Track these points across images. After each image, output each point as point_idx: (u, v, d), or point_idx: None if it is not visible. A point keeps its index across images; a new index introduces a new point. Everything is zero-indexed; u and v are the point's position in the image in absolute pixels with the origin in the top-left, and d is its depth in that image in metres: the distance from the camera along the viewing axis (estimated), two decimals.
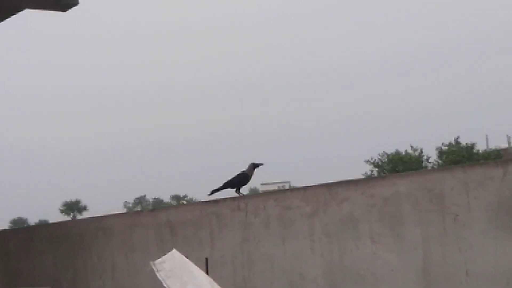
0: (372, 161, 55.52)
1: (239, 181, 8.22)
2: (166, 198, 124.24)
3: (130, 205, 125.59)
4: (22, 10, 9.55)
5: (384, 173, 49.13)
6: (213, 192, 8.29)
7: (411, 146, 55.09)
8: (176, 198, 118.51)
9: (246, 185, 8.27)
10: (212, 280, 5.71)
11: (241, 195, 8.12)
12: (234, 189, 8.20)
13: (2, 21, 10.03)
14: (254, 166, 8.28)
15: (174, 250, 5.93)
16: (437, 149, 54.72)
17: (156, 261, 5.70)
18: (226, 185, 8.23)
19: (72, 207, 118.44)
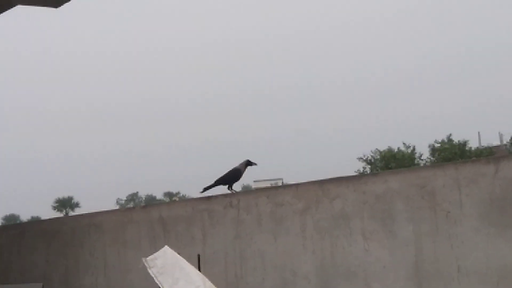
0: (364, 158, 55.58)
1: (231, 177, 8.17)
2: (159, 195, 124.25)
3: (123, 202, 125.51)
4: (14, 6, 9.51)
5: (377, 170, 49.17)
6: (205, 189, 8.28)
7: (404, 143, 55.18)
8: (169, 195, 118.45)
9: (238, 181, 8.25)
10: (204, 276, 5.71)
11: (233, 191, 8.10)
12: (226, 186, 8.17)
13: None
14: (248, 163, 8.25)
15: (166, 247, 5.93)
16: (429, 146, 54.84)
17: (148, 258, 5.71)
18: (218, 182, 8.20)
19: (65, 203, 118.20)
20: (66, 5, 9.63)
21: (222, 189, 8.22)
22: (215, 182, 8.21)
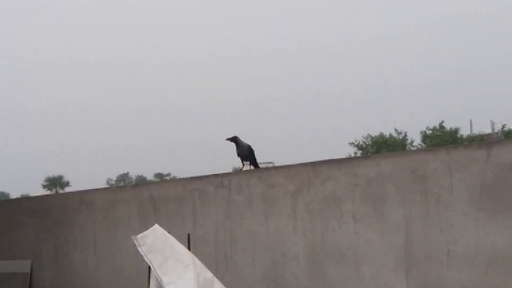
0: (356, 143, 55.61)
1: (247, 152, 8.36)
2: (150, 176, 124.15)
3: (113, 182, 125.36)
4: None
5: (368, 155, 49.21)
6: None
7: (396, 129, 55.20)
8: (159, 175, 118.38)
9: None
10: (193, 256, 5.71)
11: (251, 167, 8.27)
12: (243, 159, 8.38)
13: None
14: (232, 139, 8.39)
15: (156, 225, 5.92)
16: (421, 132, 54.85)
17: (138, 236, 5.69)
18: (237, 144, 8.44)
19: (55, 182, 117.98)
20: None
21: (214, 169, 8.23)
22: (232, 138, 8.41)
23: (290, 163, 7.50)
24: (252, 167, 8.16)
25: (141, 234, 5.73)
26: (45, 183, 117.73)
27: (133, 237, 5.67)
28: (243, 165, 8.27)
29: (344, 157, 7.67)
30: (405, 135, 55.10)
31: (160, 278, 5.42)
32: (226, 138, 8.32)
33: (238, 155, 8.32)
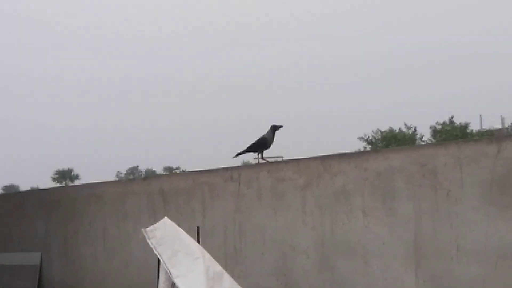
0: (365, 138, 55.60)
1: (258, 144, 8.06)
2: (159, 169, 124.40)
3: (123, 175, 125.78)
4: None
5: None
6: (238, 154, 8.18)
7: (405, 124, 55.17)
8: (169, 169, 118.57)
9: (268, 149, 8.10)
10: (203, 249, 5.71)
11: (263, 160, 8.02)
12: (257, 153, 8.08)
13: None
14: (274, 128, 8.09)
15: (165, 218, 5.92)
16: (431, 127, 54.80)
17: (148, 229, 5.70)
18: (249, 149, 8.08)
19: (65, 175, 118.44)
20: None
21: (223, 163, 8.21)
22: (247, 148, 8.08)
23: (300, 157, 7.50)
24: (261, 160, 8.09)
25: (151, 227, 5.74)
26: (55, 176, 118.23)
27: (142, 229, 5.69)
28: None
29: (355, 151, 7.66)
30: (415, 130, 55.07)
31: (169, 271, 5.43)
32: (274, 126, 8.12)
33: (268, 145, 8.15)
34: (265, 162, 7.89)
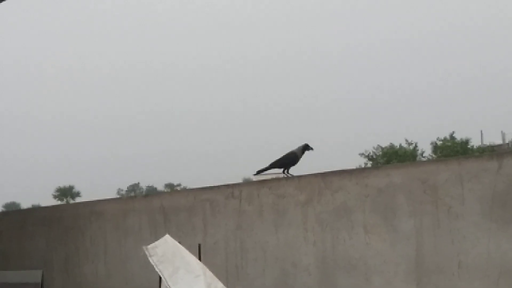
0: (366, 154, 55.63)
1: (287, 161, 7.85)
2: (160, 186, 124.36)
3: (124, 192, 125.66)
4: None
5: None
6: (259, 172, 7.98)
7: (406, 140, 55.20)
8: (170, 186, 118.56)
9: (295, 166, 7.88)
10: (204, 266, 5.70)
11: (289, 175, 7.80)
12: (282, 169, 7.86)
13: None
14: (305, 148, 7.90)
15: (167, 236, 5.92)
16: (431, 143, 54.86)
17: (149, 246, 5.70)
18: (273, 165, 7.88)
19: (66, 192, 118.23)
20: None
21: (224, 179, 8.19)
22: (270, 165, 7.88)
23: (301, 174, 7.51)
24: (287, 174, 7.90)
25: (152, 244, 5.74)
26: (56, 194, 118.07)
27: (144, 247, 5.68)
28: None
29: (355, 167, 7.66)
30: (416, 146, 55.10)
31: None
32: (306, 146, 7.94)
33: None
34: (289, 176, 7.76)
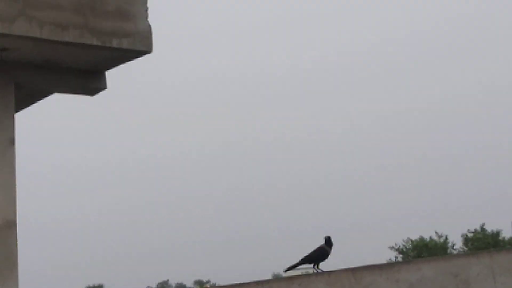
0: (396, 247, 55.06)
1: (317, 256, 7.77)
2: (189, 283, 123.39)
3: None
4: (51, 93, 9.74)
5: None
6: (289, 268, 7.95)
7: (436, 232, 54.66)
8: (199, 283, 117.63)
9: (325, 261, 7.80)
10: None
11: (319, 271, 7.69)
12: (312, 265, 7.78)
13: (31, 104, 10.23)
14: (328, 240, 7.84)
15: None
16: (462, 235, 54.26)
17: None
18: (304, 261, 7.81)
19: None
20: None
21: (254, 276, 8.14)
22: (300, 260, 7.82)
23: (331, 269, 7.46)
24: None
25: None
26: None
27: None
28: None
29: (385, 262, 7.61)
30: (446, 238, 54.51)
31: None
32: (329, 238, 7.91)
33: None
34: (320, 272, 7.64)
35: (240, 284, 8.29)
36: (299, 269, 8.36)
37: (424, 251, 51.37)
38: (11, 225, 3.49)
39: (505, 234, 53.33)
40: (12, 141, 3.61)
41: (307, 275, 7.73)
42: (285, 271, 7.94)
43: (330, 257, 7.81)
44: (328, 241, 7.79)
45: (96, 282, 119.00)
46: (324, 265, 7.73)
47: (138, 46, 3.71)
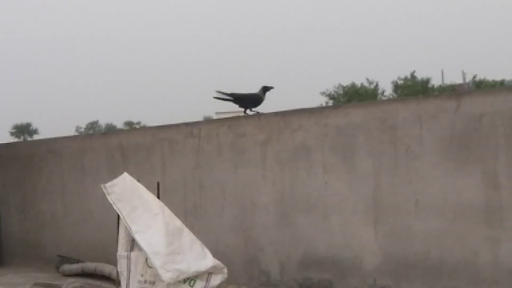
0: (327, 93, 55.63)
1: (249, 98, 7.71)
2: (119, 124, 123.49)
3: (82, 130, 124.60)
4: None
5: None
6: (220, 94, 7.68)
7: (367, 79, 55.23)
8: (129, 124, 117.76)
9: (257, 107, 7.72)
10: (163, 204, 5.68)
11: (251, 112, 7.64)
12: (244, 108, 7.68)
13: None
14: (265, 89, 7.75)
15: (125, 174, 5.87)
16: (392, 82, 54.97)
17: (107, 184, 5.65)
18: (237, 96, 7.68)
19: (23, 130, 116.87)
20: None
21: (183, 118, 8.08)
22: (231, 93, 7.68)
23: (260, 112, 7.47)
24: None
25: (110, 182, 5.68)
26: (13, 131, 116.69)
27: (102, 185, 5.63)
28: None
29: (315, 106, 7.64)
30: (377, 85, 55.21)
31: (129, 227, 5.40)
32: (265, 87, 7.76)
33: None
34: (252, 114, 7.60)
35: (169, 125, 8.27)
36: (230, 112, 8.30)
37: (355, 97, 52.04)
38: None
39: (435, 82, 54.30)
40: None
41: (236, 117, 7.72)
42: (214, 97, 7.68)
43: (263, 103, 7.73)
44: (264, 91, 7.71)
45: (24, 121, 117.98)
46: (256, 109, 7.67)
47: None
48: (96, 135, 9.72)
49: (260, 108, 7.65)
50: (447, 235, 5.80)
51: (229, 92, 7.70)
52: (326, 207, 6.61)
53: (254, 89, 7.74)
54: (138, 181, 5.84)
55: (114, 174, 6.35)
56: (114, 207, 5.53)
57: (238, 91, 7.76)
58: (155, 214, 5.54)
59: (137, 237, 5.38)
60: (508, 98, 5.61)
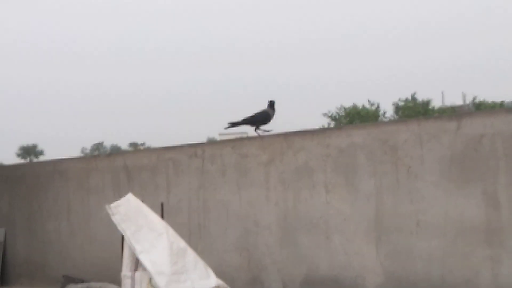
0: (329, 114, 55.70)
1: (259, 118, 7.73)
2: (124, 145, 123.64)
3: (88, 151, 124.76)
4: None
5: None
6: (231, 124, 7.80)
7: (368, 101, 55.31)
8: (134, 145, 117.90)
9: (268, 123, 7.75)
10: (167, 224, 5.75)
11: (259, 134, 7.70)
12: (254, 127, 7.73)
13: None
14: (271, 103, 7.78)
15: (130, 194, 5.95)
16: (393, 104, 55.04)
17: (112, 205, 5.72)
18: (245, 121, 7.74)
19: (29, 151, 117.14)
20: None
21: (187, 139, 8.17)
22: (242, 120, 7.73)
23: (262, 134, 7.55)
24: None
25: (115, 203, 5.76)
26: (19, 152, 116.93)
27: (106, 206, 5.70)
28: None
29: (318, 127, 7.72)
30: (378, 107, 55.27)
31: (133, 247, 5.46)
32: (272, 102, 7.79)
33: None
34: (259, 135, 7.66)
35: (173, 146, 8.35)
36: (233, 133, 8.40)
37: (356, 118, 52.09)
38: None
39: (435, 103, 54.37)
40: None
41: (240, 139, 7.81)
42: (226, 127, 7.81)
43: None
44: (272, 105, 7.79)
45: (31, 143, 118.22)
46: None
47: None
48: (101, 156, 9.80)
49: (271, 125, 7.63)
50: (448, 255, 5.86)
51: (239, 119, 7.76)
52: (328, 227, 6.68)
53: (258, 107, 7.80)
54: (143, 201, 5.92)
55: (119, 194, 6.44)
56: (118, 227, 5.60)
57: (244, 112, 7.80)
58: (159, 233, 5.61)
59: (142, 257, 5.44)
60: (508, 119, 5.70)
